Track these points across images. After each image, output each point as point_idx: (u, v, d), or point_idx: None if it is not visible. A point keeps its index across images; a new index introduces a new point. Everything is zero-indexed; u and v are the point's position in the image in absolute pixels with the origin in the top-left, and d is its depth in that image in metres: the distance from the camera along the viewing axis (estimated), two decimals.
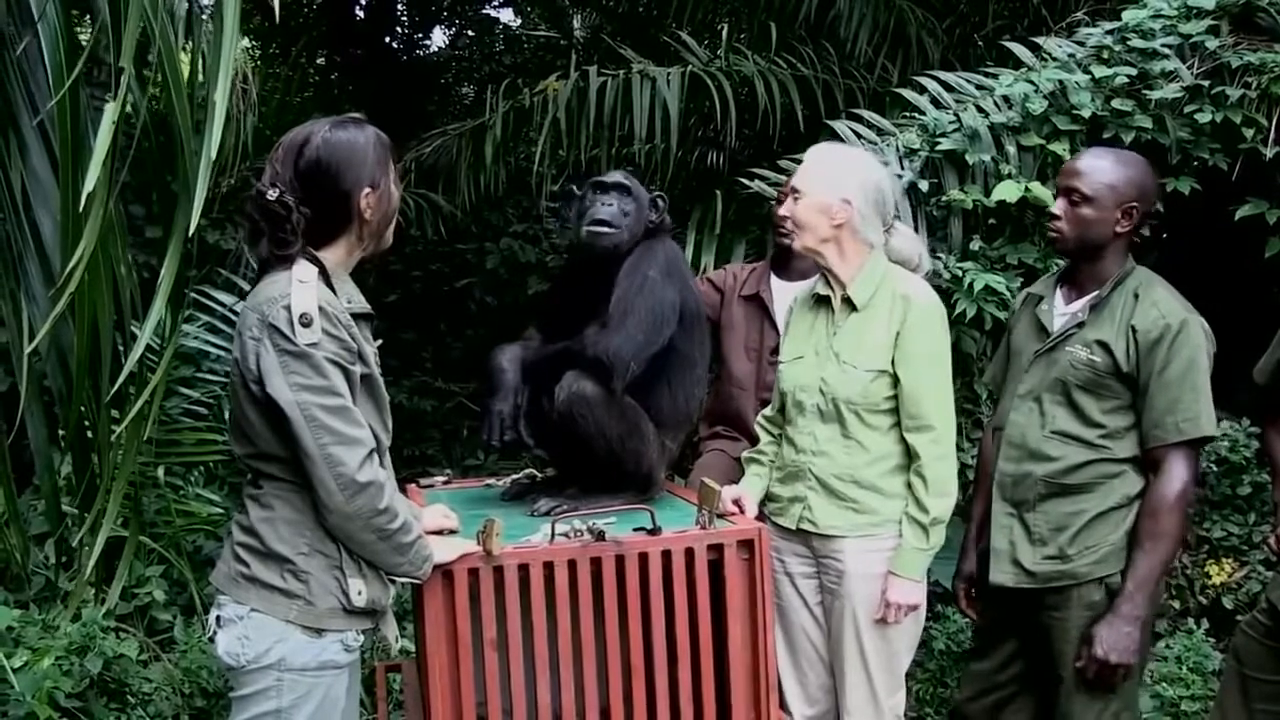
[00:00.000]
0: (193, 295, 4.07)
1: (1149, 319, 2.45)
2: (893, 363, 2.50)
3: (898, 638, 2.58)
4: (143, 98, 2.53)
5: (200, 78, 2.66)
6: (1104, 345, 2.48)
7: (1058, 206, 2.56)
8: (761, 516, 2.64)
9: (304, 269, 1.94)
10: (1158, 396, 2.43)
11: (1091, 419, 2.50)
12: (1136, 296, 2.50)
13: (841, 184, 2.54)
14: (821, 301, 2.66)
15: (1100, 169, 2.53)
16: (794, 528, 2.61)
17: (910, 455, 2.53)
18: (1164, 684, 3.48)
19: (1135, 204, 2.51)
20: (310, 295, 1.90)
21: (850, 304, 2.58)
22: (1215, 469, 3.96)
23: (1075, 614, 2.51)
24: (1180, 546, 2.53)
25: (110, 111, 2.05)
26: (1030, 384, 2.61)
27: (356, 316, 2.01)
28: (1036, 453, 2.56)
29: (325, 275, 1.97)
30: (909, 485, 2.52)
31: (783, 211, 2.66)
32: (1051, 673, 2.57)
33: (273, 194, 1.95)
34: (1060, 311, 2.61)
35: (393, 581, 2.07)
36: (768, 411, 2.80)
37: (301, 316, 1.87)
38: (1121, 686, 2.51)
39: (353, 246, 2.05)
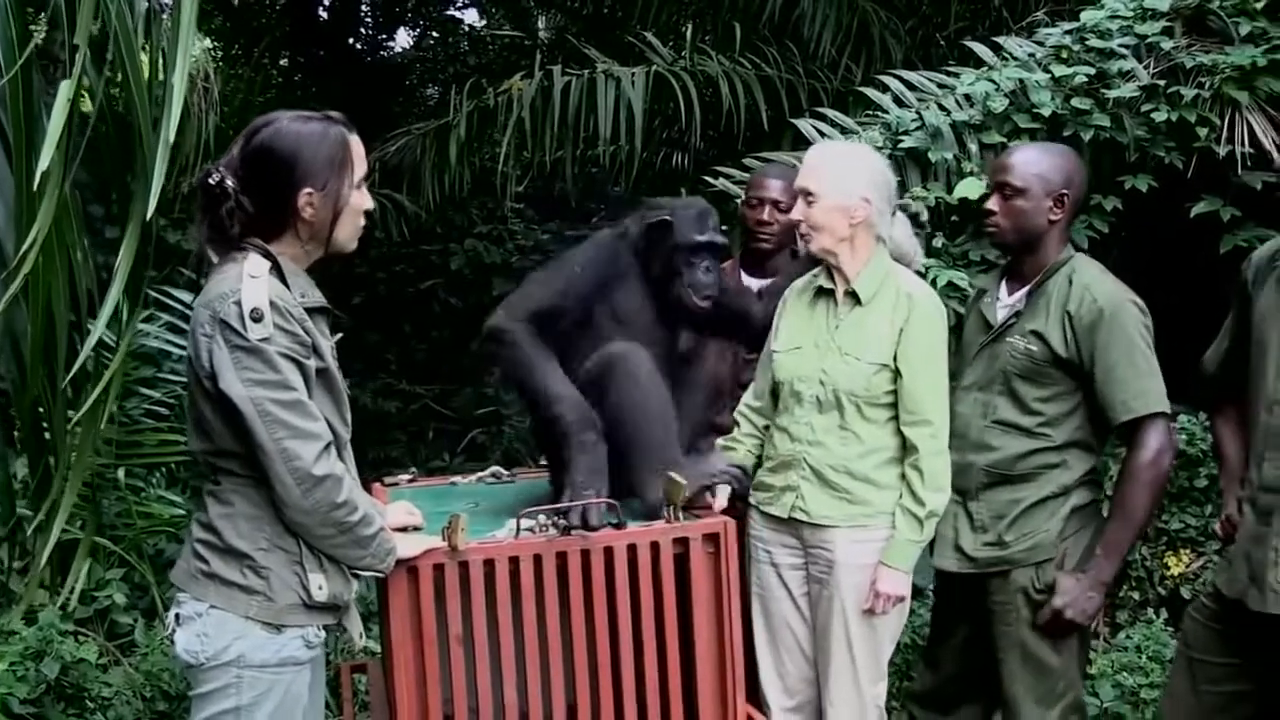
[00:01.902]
0: (154, 295, 4.03)
1: (1083, 304, 2.51)
2: (894, 357, 2.52)
3: (883, 628, 2.60)
4: (99, 80, 2.49)
5: (160, 75, 2.64)
6: (1039, 335, 2.55)
7: (992, 203, 2.63)
8: (730, 511, 2.63)
9: (255, 263, 1.91)
10: (1103, 380, 2.50)
11: (1030, 407, 2.57)
12: (1070, 282, 2.56)
13: (857, 182, 2.56)
14: (821, 294, 2.67)
15: (1028, 161, 2.61)
16: (785, 516, 2.61)
17: (903, 449, 2.55)
18: (1124, 673, 3.52)
19: (1065, 192, 2.58)
20: (261, 290, 1.88)
21: (854, 297, 2.59)
22: (1174, 462, 4.01)
23: (1009, 598, 2.59)
24: (1152, 514, 2.61)
25: (65, 90, 2.03)
26: (974, 376, 2.68)
27: (313, 311, 1.99)
28: (979, 443, 2.62)
29: (279, 269, 1.95)
30: (904, 478, 2.54)
31: (796, 214, 2.64)
32: (993, 657, 2.64)
33: (214, 178, 1.93)
34: (1002, 304, 2.67)
35: (356, 576, 2.06)
36: (751, 400, 2.80)
37: (252, 311, 1.86)
38: (1065, 663, 2.59)
39: (299, 244, 2.01)
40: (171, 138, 2.08)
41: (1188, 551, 3.97)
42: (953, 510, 2.65)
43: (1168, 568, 3.95)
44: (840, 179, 2.56)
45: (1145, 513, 2.53)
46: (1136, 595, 3.98)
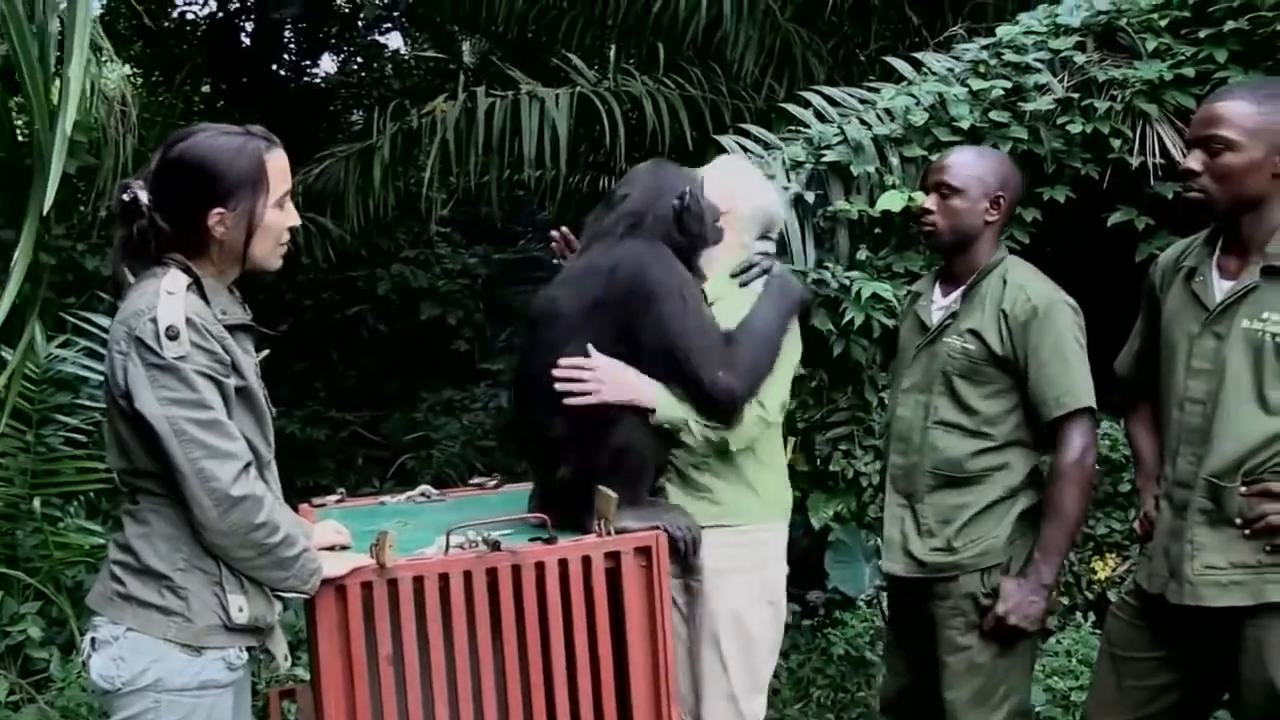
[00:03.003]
0: (72, 320, 3.95)
1: (1017, 303, 2.54)
2: None
3: (759, 640, 2.57)
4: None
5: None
6: (976, 333, 2.57)
7: (930, 202, 2.66)
8: None
9: (174, 279, 1.87)
10: (1035, 377, 2.52)
11: (970, 406, 2.58)
12: (1005, 282, 2.58)
13: (741, 188, 2.65)
14: None
15: (965, 163, 2.66)
16: None
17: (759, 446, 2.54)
18: (1055, 677, 3.57)
19: (1001, 194, 2.62)
20: (178, 307, 1.83)
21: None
22: (1097, 467, 4.08)
23: (956, 603, 2.59)
24: (1085, 513, 2.63)
25: None
26: (913, 378, 2.68)
27: (234, 328, 1.95)
28: (922, 445, 2.63)
29: (199, 285, 1.91)
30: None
31: None
32: (935, 659, 2.64)
33: (129, 194, 1.89)
34: (938, 305, 2.69)
35: (279, 598, 2.01)
36: None
37: (168, 329, 1.81)
38: (1009, 668, 2.59)
39: (213, 263, 1.96)
40: (69, 130, 2.02)
41: (1114, 556, 4.05)
42: (899, 514, 2.67)
43: (1094, 572, 4.02)
44: (731, 177, 2.66)
45: (1078, 511, 2.54)
46: (1065, 600, 4.04)
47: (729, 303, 2.55)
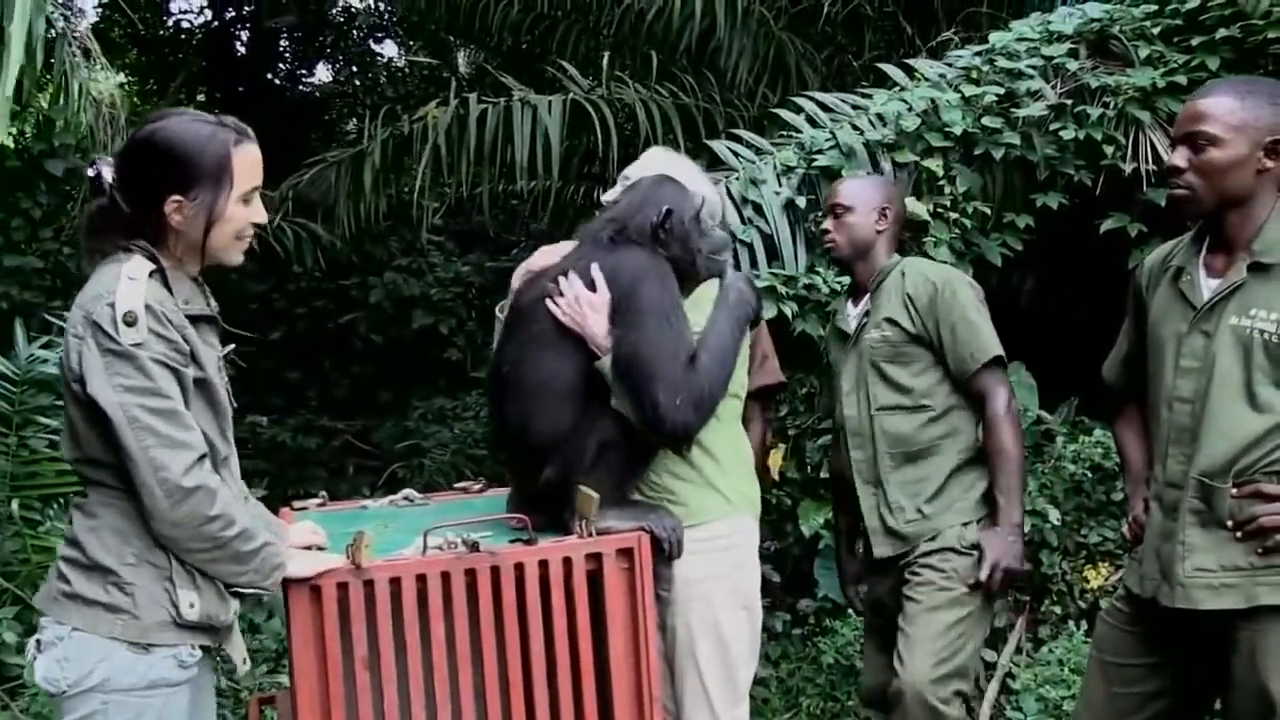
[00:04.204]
0: (55, 321, 3.91)
1: (918, 285, 2.81)
2: None
3: (736, 648, 2.54)
4: None
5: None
6: (891, 320, 2.81)
7: (827, 224, 2.96)
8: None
9: (137, 265, 1.83)
10: (949, 343, 2.77)
11: (904, 385, 2.81)
12: (903, 274, 2.85)
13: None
14: None
15: (852, 186, 3.01)
16: None
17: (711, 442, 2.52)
18: (1047, 686, 3.52)
19: (886, 207, 2.93)
20: (138, 293, 1.79)
21: None
22: (1090, 475, 4.06)
23: (933, 560, 2.74)
24: (1024, 452, 2.84)
25: None
26: (849, 380, 2.91)
27: (197, 319, 1.91)
28: (874, 432, 2.84)
29: (163, 274, 1.86)
30: None
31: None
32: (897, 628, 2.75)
33: (93, 170, 1.86)
34: (852, 315, 2.97)
35: (239, 595, 1.96)
36: None
37: (126, 315, 1.77)
38: (966, 626, 2.70)
39: (171, 252, 1.90)
40: (9, 92, 1.99)
41: (1106, 565, 4.01)
42: (873, 503, 2.84)
43: (1087, 581, 3.98)
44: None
45: (1018, 449, 2.74)
46: (1058, 609, 4.00)
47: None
